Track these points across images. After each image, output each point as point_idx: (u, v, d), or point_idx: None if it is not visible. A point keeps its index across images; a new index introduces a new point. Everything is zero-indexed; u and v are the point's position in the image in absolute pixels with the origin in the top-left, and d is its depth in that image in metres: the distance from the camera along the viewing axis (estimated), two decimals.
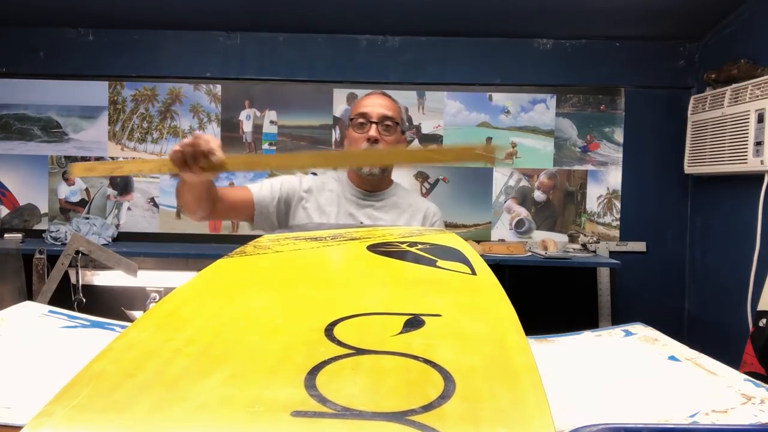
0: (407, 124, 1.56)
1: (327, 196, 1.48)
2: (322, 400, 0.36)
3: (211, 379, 0.39)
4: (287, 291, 0.62)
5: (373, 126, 1.40)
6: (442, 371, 0.41)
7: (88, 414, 0.35)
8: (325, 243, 0.84)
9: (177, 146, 1.05)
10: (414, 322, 0.50)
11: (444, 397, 0.38)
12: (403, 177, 2.87)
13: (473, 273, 0.68)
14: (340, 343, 0.45)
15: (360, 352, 0.44)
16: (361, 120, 1.42)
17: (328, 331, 0.47)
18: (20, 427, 0.39)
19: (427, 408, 0.36)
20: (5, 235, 2.73)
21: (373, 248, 0.81)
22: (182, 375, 0.40)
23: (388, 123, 1.42)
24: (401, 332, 0.48)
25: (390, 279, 0.68)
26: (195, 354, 0.43)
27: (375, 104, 1.44)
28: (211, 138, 1.08)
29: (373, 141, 1.40)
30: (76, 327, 0.78)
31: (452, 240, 0.92)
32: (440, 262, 0.73)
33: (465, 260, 0.75)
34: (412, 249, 0.81)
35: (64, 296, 1.98)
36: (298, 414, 0.35)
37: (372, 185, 1.50)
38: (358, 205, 1.49)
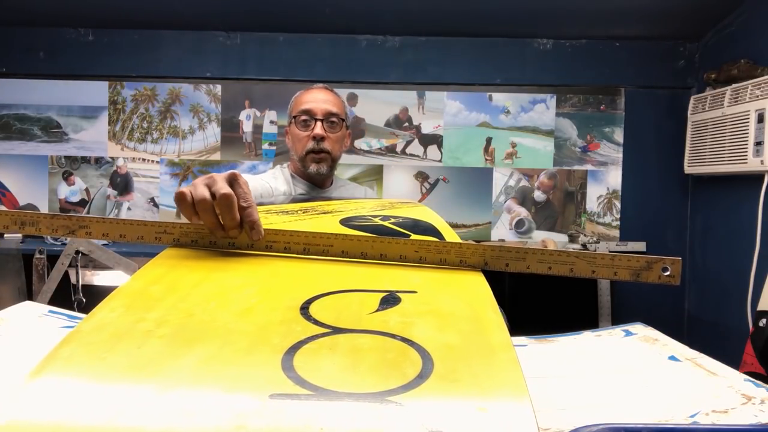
0: (350, 119, 1.51)
1: (281, 200, 1.44)
2: (300, 382, 0.36)
3: (185, 361, 0.38)
4: (259, 268, 0.60)
5: (318, 123, 1.37)
6: (419, 350, 0.41)
7: (59, 396, 0.35)
8: (297, 217, 0.82)
9: (201, 190, 0.62)
10: (390, 299, 0.50)
11: (422, 376, 0.37)
12: (403, 177, 2.87)
13: None
14: (316, 322, 0.44)
15: (337, 331, 0.43)
16: (304, 117, 1.39)
17: (304, 310, 0.47)
18: None
19: (406, 388, 0.36)
20: (5, 235, 2.72)
21: (346, 222, 0.79)
22: (155, 357, 0.39)
23: (333, 119, 1.39)
24: (378, 310, 0.48)
25: None
26: (168, 335, 0.42)
27: (318, 100, 1.40)
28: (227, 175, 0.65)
29: (319, 139, 1.37)
30: None
31: (424, 213, 0.91)
32: (413, 237, 0.72)
33: (438, 234, 0.74)
34: (385, 223, 0.80)
35: (64, 296, 1.98)
36: (276, 396, 0.34)
37: (319, 182, 1.46)
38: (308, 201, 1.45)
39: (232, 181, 0.63)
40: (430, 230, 0.76)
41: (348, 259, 0.63)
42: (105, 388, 0.36)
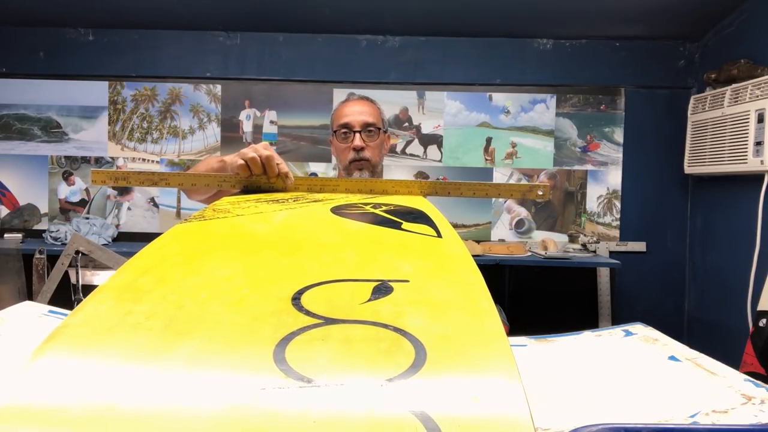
0: (387, 123, 1.61)
1: None
2: (293, 374, 0.36)
3: (176, 353, 0.38)
4: (251, 258, 0.59)
5: (357, 135, 1.46)
6: (412, 339, 0.40)
7: (49, 385, 0.35)
8: (288, 205, 0.82)
9: (251, 153, 0.97)
10: (382, 289, 0.50)
11: (416, 366, 0.37)
12: (403, 177, 2.87)
13: (439, 236, 0.67)
14: (308, 313, 0.44)
15: (329, 321, 0.43)
16: (344, 131, 1.49)
17: (296, 300, 0.46)
18: None
19: (400, 378, 0.36)
20: (5, 235, 2.73)
21: (337, 210, 0.79)
22: (146, 349, 0.39)
23: (371, 129, 1.48)
24: (370, 300, 0.47)
25: (355, 243, 0.66)
26: (157, 328, 0.42)
27: (355, 113, 1.49)
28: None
29: (359, 149, 1.46)
30: None
31: (415, 201, 0.91)
32: (405, 225, 0.71)
33: (430, 222, 0.73)
34: (376, 211, 0.79)
35: (64, 296, 1.98)
36: (268, 388, 0.35)
37: None
38: None
39: (266, 148, 0.99)
40: (423, 219, 0.75)
41: (339, 248, 0.63)
42: (95, 377, 0.36)
